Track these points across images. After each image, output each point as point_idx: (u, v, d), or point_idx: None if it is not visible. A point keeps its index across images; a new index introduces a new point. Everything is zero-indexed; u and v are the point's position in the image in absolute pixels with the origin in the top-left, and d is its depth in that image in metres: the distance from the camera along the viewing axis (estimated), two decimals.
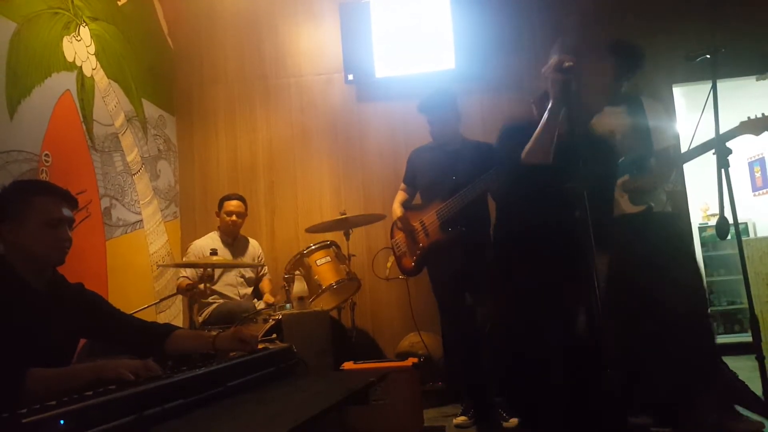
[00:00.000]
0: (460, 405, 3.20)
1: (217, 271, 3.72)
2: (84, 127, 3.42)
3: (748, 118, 2.49)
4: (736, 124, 2.49)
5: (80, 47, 3.44)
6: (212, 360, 1.71)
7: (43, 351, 1.64)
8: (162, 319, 4.03)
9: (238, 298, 3.77)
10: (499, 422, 2.99)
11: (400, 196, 3.42)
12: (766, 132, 2.47)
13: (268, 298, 3.85)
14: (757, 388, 2.25)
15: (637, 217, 2.53)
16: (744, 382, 2.64)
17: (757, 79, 4.19)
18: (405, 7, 4.39)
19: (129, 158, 3.88)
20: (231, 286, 3.80)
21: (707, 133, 2.42)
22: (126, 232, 3.76)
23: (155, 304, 3.90)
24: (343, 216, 3.58)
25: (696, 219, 5.38)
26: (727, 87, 3.71)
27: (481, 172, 2.98)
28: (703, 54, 2.46)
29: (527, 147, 2.04)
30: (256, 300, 3.86)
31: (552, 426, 2.05)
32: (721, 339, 5.06)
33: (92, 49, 3.57)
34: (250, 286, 3.92)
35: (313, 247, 3.55)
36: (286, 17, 4.65)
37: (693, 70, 3.29)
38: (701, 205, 5.65)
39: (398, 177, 3.53)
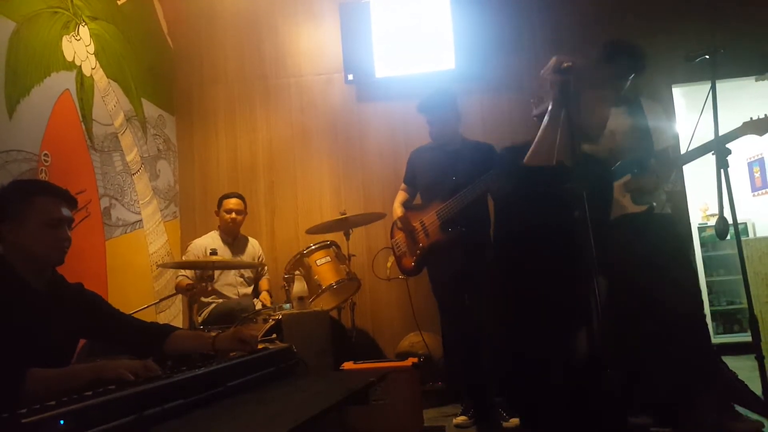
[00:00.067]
0: (460, 405, 3.20)
1: (217, 271, 3.71)
2: (83, 126, 3.41)
3: (751, 118, 2.49)
4: (736, 124, 2.49)
5: (80, 47, 3.44)
6: (212, 360, 1.70)
7: (42, 351, 1.64)
8: (162, 319, 4.03)
9: (237, 297, 3.77)
10: (499, 422, 2.99)
11: (401, 196, 3.42)
12: None
13: (264, 296, 3.85)
14: (756, 387, 2.25)
15: (639, 216, 2.54)
16: (744, 382, 2.65)
17: (757, 80, 4.19)
18: (405, 7, 4.38)
19: (128, 158, 3.88)
20: (230, 285, 3.79)
21: (707, 133, 2.42)
22: (125, 232, 3.75)
23: (155, 304, 3.90)
24: (343, 216, 3.58)
25: (695, 219, 5.37)
26: (726, 87, 3.73)
27: (481, 172, 2.98)
28: (702, 54, 2.46)
29: (530, 150, 2.05)
30: (255, 299, 3.86)
31: (552, 426, 2.05)
32: (721, 339, 5.06)
33: (92, 48, 3.56)
34: (250, 286, 3.92)
35: (313, 247, 3.55)
36: (286, 17, 4.65)
37: (693, 70, 3.29)
38: (701, 206, 5.64)
39: (398, 177, 3.53)
